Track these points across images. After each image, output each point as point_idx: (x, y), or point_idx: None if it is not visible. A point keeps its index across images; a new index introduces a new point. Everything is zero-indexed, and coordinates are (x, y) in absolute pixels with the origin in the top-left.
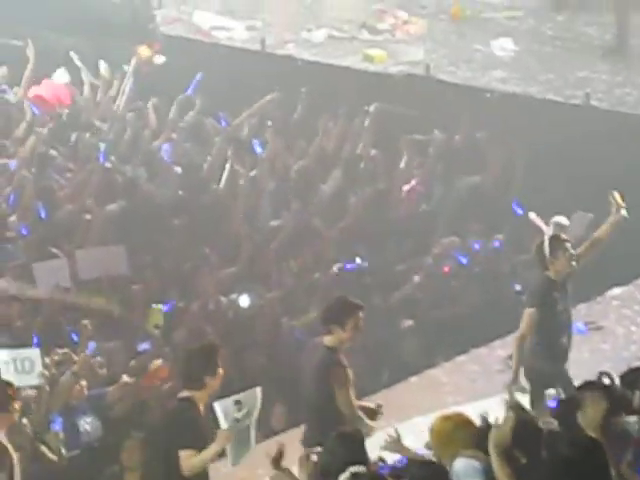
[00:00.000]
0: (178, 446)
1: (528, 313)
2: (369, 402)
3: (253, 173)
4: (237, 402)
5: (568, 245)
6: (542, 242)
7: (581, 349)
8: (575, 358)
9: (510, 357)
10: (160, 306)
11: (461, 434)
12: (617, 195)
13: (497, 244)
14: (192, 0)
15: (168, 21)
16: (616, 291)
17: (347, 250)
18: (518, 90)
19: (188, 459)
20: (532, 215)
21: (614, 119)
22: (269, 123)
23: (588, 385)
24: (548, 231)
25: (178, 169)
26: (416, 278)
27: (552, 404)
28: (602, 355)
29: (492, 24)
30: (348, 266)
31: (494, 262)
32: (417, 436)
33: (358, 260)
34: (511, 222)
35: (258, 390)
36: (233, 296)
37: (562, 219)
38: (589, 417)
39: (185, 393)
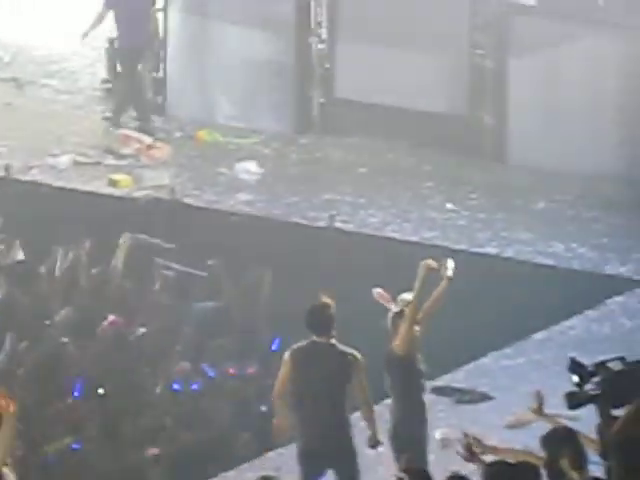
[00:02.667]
0: None
1: None
2: None
3: None
4: None
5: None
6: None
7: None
8: None
9: None
10: None
11: None
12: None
13: (251, 371)
14: None
15: None
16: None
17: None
18: (263, 213)
19: None
20: (376, 291)
21: (359, 240)
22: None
23: None
24: (394, 307)
25: None
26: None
27: None
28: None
29: (236, 147)
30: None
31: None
32: None
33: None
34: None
35: None
36: None
37: (408, 295)
38: None
39: None
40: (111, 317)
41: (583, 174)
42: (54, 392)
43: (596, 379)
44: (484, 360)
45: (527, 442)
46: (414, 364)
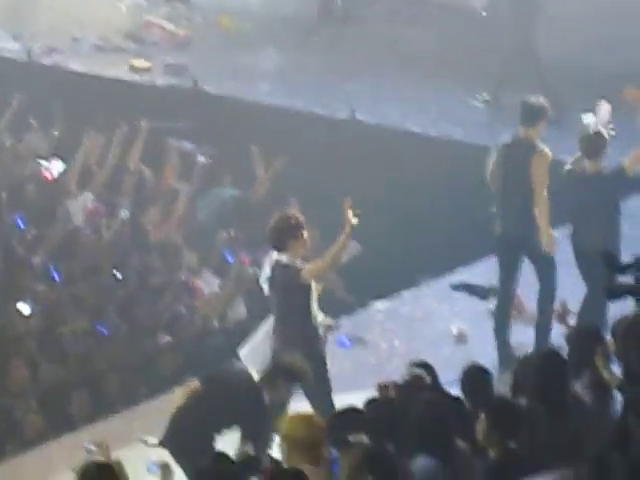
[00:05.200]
0: None
1: None
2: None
3: None
4: None
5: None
6: None
7: (344, 363)
8: (337, 371)
9: None
10: None
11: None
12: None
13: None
14: None
15: None
16: (380, 305)
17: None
18: (284, 103)
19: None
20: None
21: (380, 134)
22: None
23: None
24: None
25: None
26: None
27: None
28: (365, 369)
29: (259, 35)
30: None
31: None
32: None
33: (117, 274)
34: None
35: None
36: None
37: None
38: None
39: None
40: (90, 204)
41: (606, 70)
42: (70, 276)
43: (630, 273)
44: None
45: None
46: None
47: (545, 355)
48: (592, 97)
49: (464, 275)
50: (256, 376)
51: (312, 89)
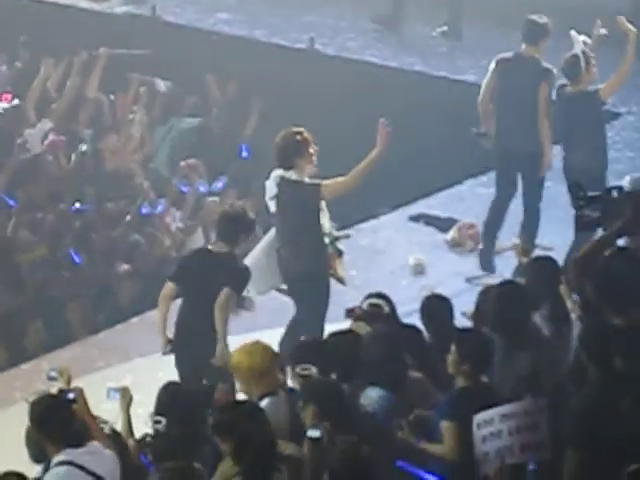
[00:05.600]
0: None
1: None
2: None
3: None
4: None
5: None
6: None
7: None
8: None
9: None
10: None
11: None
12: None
13: (220, 185)
14: None
15: None
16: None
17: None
18: (243, 33)
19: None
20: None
21: (338, 64)
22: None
23: None
24: None
25: None
26: (128, 218)
27: None
28: None
29: None
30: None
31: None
32: (136, 376)
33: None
34: (236, 164)
35: None
36: None
37: None
38: None
39: None
40: (51, 134)
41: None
42: (29, 204)
43: (597, 204)
44: (460, 187)
45: (501, 270)
46: None
47: (505, 287)
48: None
49: (422, 207)
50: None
51: (271, 19)
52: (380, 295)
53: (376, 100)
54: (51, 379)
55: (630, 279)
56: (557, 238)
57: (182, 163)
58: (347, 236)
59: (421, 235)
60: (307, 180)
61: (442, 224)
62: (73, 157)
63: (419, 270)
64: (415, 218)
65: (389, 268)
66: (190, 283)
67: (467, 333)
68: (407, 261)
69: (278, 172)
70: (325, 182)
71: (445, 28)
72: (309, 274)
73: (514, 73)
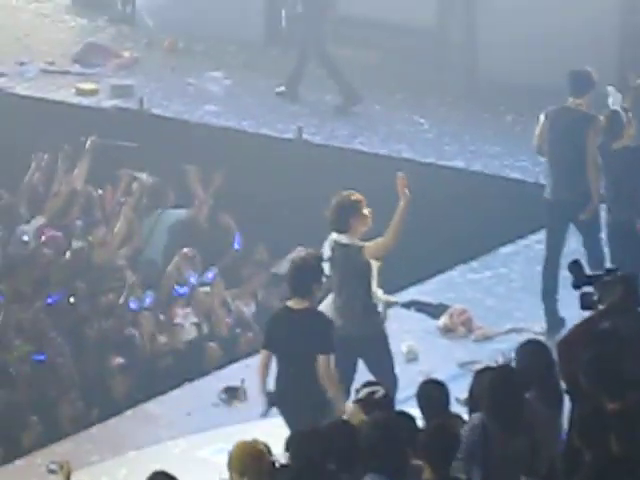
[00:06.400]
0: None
1: None
2: None
3: None
4: None
5: None
6: None
7: None
8: None
9: None
10: None
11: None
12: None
13: (211, 276)
14: None
15: None
16: None
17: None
18: (231, 124)
19: None
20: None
21: (326, 153)
22: None
23: None
24: None
25: None
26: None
27: None
28: None
29: (205, 57)
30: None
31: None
32: (130, 470)
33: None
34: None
35: None
36: None
37: None
38: None
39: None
40: (49, 231)
41: (551, 89)
42: (18, 298)
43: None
44: (451, 273)
45: (492, 355)
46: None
47: (499, 371)
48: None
49: (414, 294)
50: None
51: (259, 110)
52: (374, 383)
53: (365, 187)
54: (51, 472)
55: (621, 362)
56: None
57: (176, 257)
58: (396, 302)
59: (413, 322)
60: (354, 242)
61: (434, 310)
62: (68, 253)
63: (411, 357)
64: (406, 305)
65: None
66: (282, 348)
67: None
68: (399, 348)
69: (333, 236)
70: (367, 244)
71: (283, 88)
72: (364, 337)
73: (561, 123)
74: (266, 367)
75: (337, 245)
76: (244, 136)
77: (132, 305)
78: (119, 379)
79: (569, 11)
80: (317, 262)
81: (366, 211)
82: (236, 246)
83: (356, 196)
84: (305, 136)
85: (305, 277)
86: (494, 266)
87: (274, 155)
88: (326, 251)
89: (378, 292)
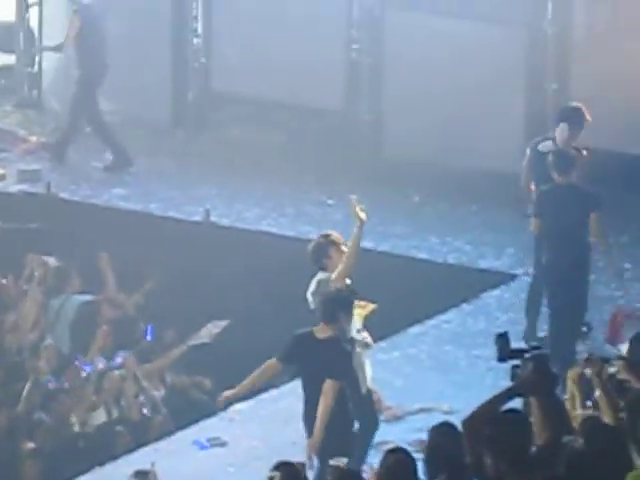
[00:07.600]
0: None
1: None
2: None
3: None
4: None
5: None
6: None
7: (202, 464)
8: (193, 473)
9: None
10: None
11: None
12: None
13: (120, 360)
14: None
15: None
16: (239, 406)
17: None
18: (139, 207)
19: None
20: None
21: (234, 235)
22: None
23: None
24: None
25: None
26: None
27: None
28: (225, 471)
29: None
30: None
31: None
32: None
33: None
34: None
35: None
36: None
37: None
38: None
39: None
40: None
41: (459, 169)
42: None
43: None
44: None
45: (402, 435)
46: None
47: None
48: None
49: None
50: None
51: (167, 193)
52: (288, 464)
53: (273, 269)
54: None
55: (520, 442)
56: (458, 402)
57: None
58: (368, 346)
59: None
60: (326, 276)
61: None
62: None
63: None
64: None
65: (292, 437)
66: (299, 368)
67: None
68: None
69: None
70: (333, 274)
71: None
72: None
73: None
74: (264, 373)
75: (317, 282)
76: (152, 219)
77: (50, 385)
78: (29, 464)
79: (473, 96)
80: (349, 294)
81: (343, 248)
82: (148, 338)
83: (328, 238)
84: (212, 218)
85: (335, 306)
86: (402, 346)
87: (182, 237)
88: (312, 285)
89: (354, 332)
